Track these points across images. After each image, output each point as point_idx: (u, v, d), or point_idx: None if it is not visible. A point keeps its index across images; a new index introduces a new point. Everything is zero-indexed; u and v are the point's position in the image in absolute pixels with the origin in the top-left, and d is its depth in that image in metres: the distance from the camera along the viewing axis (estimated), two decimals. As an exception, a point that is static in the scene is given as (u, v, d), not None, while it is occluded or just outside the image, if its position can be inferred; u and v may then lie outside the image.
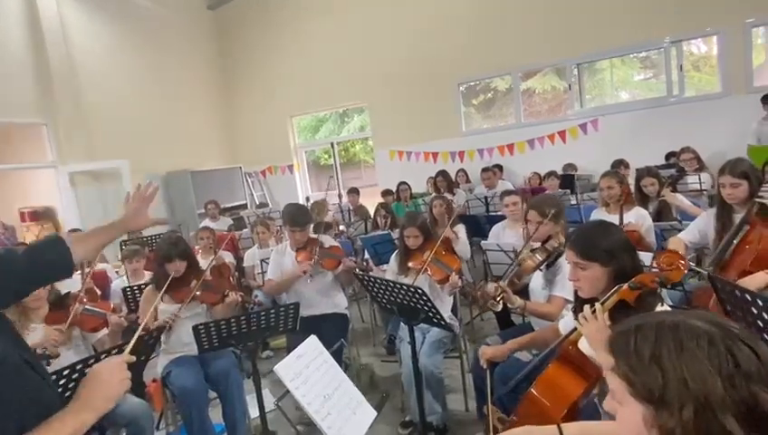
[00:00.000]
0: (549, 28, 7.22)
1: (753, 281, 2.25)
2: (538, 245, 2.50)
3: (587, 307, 1.58)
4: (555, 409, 1.61)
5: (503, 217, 4.17)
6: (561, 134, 7.44)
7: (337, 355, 2.27)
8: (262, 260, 4.17)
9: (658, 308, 1.60)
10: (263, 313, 2.64)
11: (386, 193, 6.96)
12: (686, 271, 1.61)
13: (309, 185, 10.28)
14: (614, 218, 3.24)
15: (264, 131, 9.90)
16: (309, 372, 1.55)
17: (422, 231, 3.13)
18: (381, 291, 2.52)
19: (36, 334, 2.55)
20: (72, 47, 7.43)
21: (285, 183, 9.94)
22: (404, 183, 6.97)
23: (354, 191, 7.03)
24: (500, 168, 7.41)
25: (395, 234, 4.24)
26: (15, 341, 1.31)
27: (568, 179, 6.15)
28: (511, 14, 7.44)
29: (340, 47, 8.80)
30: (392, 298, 2.48)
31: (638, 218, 3.42)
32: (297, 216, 3.34)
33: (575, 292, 1.79)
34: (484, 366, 2.06)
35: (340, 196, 7.90)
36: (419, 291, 2.29)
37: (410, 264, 3.13)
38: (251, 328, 2.56)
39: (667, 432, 0.73)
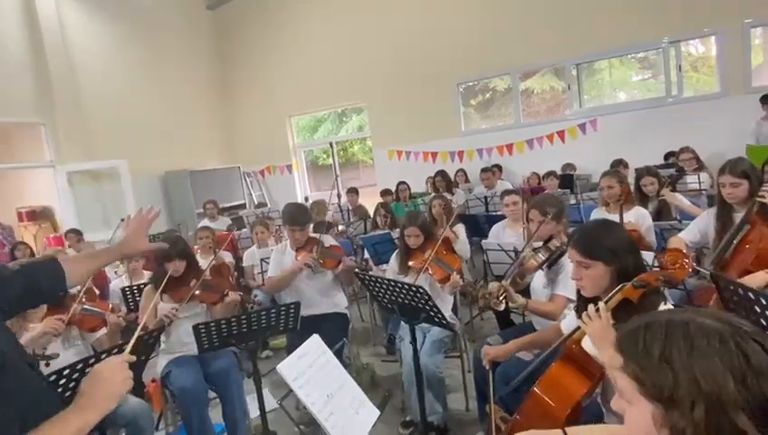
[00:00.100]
0: (548, 28, 7.23)
1: (754, 280, 2.25)
2: (540, 244, 2.50)
3: (591, 306, 1.58)
4: (559, 408, 1.60)
5: (502, 217, 4.16)
6: (560, 134, 7.45)
7: (337, 355, 2.26)
8: (261, 260, 4.17)
9: (662, 307, 1.59)
10: (263, 312, 2.62)
11: (385, 193, 6.95)
12: (690, 270, 1.61)
13: (308, 185, 10.27)
14: (614, 218, 3.24)
15: (263, 131, 9.88)
16: (312, 372, 1.55)
17: (423, 231, 3.13)
18: (382, 290, 2.52)
19: (36, 326, 2.55)
20: (71, 47, 7.41)
21: (284, 183, 9.93)
22: (403, 183, 6.96)
23: (353, 191, 7.03)
24: (499, 168, 7.42)
25: (395, 234, 4.24)
26: (16, 341, 1.30)
27: (567, 179, 6.16)
28: (510, 15, 7.45)
29: (339, 47, 8.80)
30: (393, 298, 2.47)
31: (638, 218, 3.42)
32: (297, 215, 3.33)
33: (578, 291, 1.79)
34: (487, 367, 2.05)
35: (339, 196, 7.89)
36: (421, 290, 2.28)
37: (411, 263, 3.13)
38: (251, 328, 2.55)
39: (677, 432, 0.72)
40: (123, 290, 3.53)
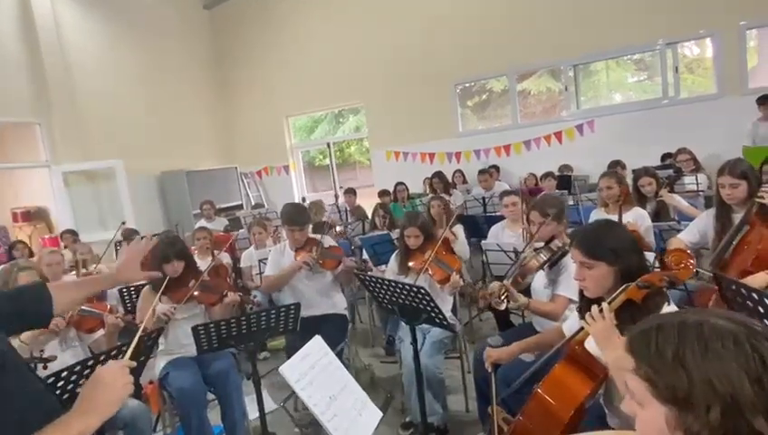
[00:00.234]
0: (544, 30, 7.24)
1: (754, 281, 2.25)
2: (541, 244, 2.50)
3: (594, 307, 1.57)
4: (562, 409, 1.60)
5: (501, 218, 4.17)
6: (558, 135, 7.47)
7: (338, 356, 2.24)
8: (260, 261, 4.15)
9: (665, 308, 1.59)
10: (263, 313, 2.61)
11: (383, 193, 6.94)
12: (695, 270, 1.61)
13: (304, 185, 10.25)
14: (613, 219, 3.24)
15: (260, 131, 9.85)
16: (314, 374, 1.53)
17: (423, 231, 3.12)
18: (383, 291, 2.51)
19: None
20: (67, 46, 7.36)
21: (281, 183, 9.90)
22: (401, 183, 6.96)
23: (351, 192, 7.01)
24: (497, 169, 7.42)
25: (394, 234, 4.23)
26: (11, 345, 1.29)
27: (565, 180, 6.17)
28: (506, 16, 7.46)
29: (336, 48, 8.79)
30: (394, 298, 2.46)
31: (638, 218, 3.43)
32: (296, 215, 3.32)
33: (581, 292, 1.78)
34: (489, 370, 2.04)
35: (336, 196, 7.89)
36: (422, 291, 2.28)
37: (411, 264, 3.12)
38: (251, 329, 2.54)
39: None
40: (120, 291, 3.51)
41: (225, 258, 4.68)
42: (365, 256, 4.33)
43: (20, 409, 1.11)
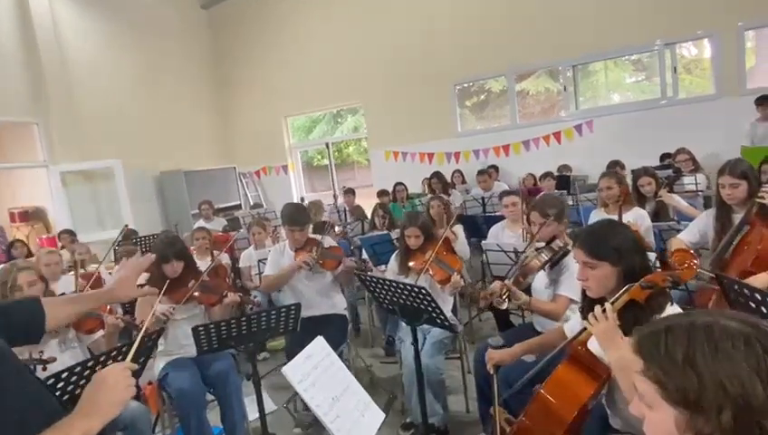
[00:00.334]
0: (543, 30, 7.25)
1: (756, 282, 2.25)
2: (542, 244, 2.49)
3: (597, 307, 1.57)
4: (566, 409, 1.59)
5: (500, 218, 4.16)
6: (557, 135, 7.47)
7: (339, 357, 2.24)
8: (259, 261, 4.14)
9: (668, 308, 1.59)
10: (263, 314, 2.60)
11: (382, 193, 6.93)
12: (698, 270, 1.61)
13: (303, 185, 10.23)
14: (613, 219, 3.24)
15: (259, 131, 9.83)
16: (317, 374, 1.52)
17: (423, 231, 3.11)
18: (384, 291, 2.50)
19: None
20: (64, 45, 7.33)
21: (280, 183, 9.89)
22: (400, 183, 6.95)
23: (350, 192, 7.00)
24: (496, 169, 7.42)
25: (393, 234, 4.22)
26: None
27: (564, 180, 6.17)
28: (506, 16, 7.46)
29: (336, 48, 8.78)
30: (395, 299, 2.45)
31: (637, 218, 3.43)
32: (296, 215, 3.30)
33: (583, 292, 1.78)
34: (491, 371, 2.04)
35: (335, 196, 7.87)
36: (423, 291, 2.27)
37: (411, 264, 3.12)
38: (251, 329, 2.53)
39: None
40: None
41: (225, 258, 4.67)
42: (364, 255, 4.33)
43: (20, 409, 1.10)
